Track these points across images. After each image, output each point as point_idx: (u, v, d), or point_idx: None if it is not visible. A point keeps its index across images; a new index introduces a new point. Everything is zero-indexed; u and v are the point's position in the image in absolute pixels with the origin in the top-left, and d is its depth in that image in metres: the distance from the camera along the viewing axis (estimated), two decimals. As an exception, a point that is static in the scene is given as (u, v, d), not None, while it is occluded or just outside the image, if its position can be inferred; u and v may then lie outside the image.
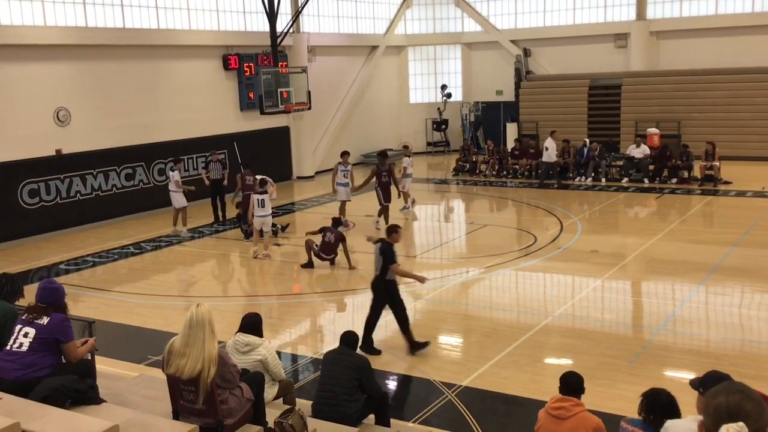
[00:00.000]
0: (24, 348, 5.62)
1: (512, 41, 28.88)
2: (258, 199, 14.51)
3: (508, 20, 29.33)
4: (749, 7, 24.92)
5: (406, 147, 21.10)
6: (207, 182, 18.45)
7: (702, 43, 25.38)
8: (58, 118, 17.77)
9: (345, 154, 17.49)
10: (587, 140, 23.09)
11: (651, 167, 21.61)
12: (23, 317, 5.79)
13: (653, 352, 9.30)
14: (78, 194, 18.20)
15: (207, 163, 19.18)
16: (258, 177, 15.51)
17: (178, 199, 17.01)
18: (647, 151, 21.89)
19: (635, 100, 25.54)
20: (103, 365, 7.15)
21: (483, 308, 11.73)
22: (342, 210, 17.17)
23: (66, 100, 17.88)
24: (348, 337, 6.95)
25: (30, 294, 6.40)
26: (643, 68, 26.34)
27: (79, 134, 18.12)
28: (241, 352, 6.47)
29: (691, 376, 8.18)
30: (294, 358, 9.73)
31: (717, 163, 20.34)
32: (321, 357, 6.82)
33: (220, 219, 18.41)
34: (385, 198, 16.75)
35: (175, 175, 16.99)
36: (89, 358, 6.25)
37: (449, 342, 10.39)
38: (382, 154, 17.63)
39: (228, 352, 6.30)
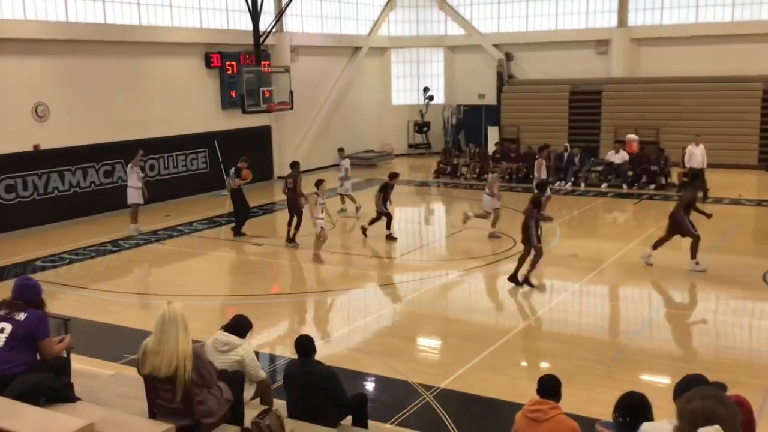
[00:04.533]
0: (0, 343, 5.55)
1: (495, 45, 29.00)
2: (320, 203, 14.10)
3: (491, 24, 29.47)
4: (729, 15, 25.24)
5: (340, 150, 19.79)
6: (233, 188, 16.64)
7: (682, 50, 25.65)
8: (37, 114, 17.58)
9: (320, 182, 14.50)
10: (567, 145, 23.24)
11: (630, 173, 21.80)
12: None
13: (630, 357, 9.38)
14: (56, 190, 18.01)
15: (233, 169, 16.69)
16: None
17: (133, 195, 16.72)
18: (626, 157, 22.09)
19: (615, 106, 25.77)
20: (78, 363, 7.08)
21: (462, 311, 11.76)
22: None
23: (45, 96, 17.70)
24: (304, 345, 6.45)
25: (5, 290, 6.32)
26: (623, 75, 26.57)
27: (58, 130, 17.93)
28: (219, 351, 6.43)
29: (667, 380, 8.32)
30: (272, 358, 9.70)
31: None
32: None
33: (243, 233, 16.52)
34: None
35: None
36: (65, 355, 6.19)
37: (428, 344, 10.41)
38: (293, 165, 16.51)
39: (207, 350, 6.27)
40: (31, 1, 17.36)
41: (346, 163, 18.96)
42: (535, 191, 13.26)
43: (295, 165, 16.28)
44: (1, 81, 16.82)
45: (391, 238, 15.84)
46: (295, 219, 15.52)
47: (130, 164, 16.92)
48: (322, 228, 14.06)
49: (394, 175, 16.39)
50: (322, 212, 14.09)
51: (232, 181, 16.42)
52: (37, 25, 17.42)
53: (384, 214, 15.85)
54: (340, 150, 19.89)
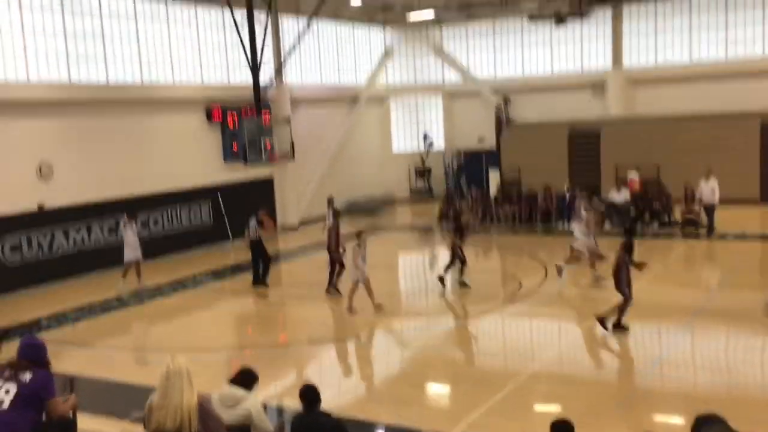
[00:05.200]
0: (5, 405, 5.49)
1: (492, 90, 29.34)
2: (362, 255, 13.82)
3: (488, 70, 29.87)
4: (723, 54, 25.55)
5: (330, 200, 18.43)
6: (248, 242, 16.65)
7: (678, 89, 25.92)
8: (41, 173, 17.73)
9: (360, 234, 14.23)
10: (568, 186, 23.29)
11: (632, 211, 21.78)
12: (4, 374, 5.68)
13: (642, 397, 9.26)
14: (60, 249, 18.06)
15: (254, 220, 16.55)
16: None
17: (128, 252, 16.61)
18: (628, 195, 22.10)
19: (614, 145, 25.86)
20: (85, 422, 7.00)
21: (470, 355, 11.66)
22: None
23: (49, 155, 17.88)
24: (309, 397, 6.37)
25: (11, 351, 6.29)
26: (620, 114, 26.79)
27: (62, 188, 18.06)
28: (226, 406, 6.35)
29: (680, 420, 8.19)
30: (280, 411, 9.59)
31: (697, 207, 20.55)
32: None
33: (265, 283, 16.39)
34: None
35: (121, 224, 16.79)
36: (71, 415, 6.13)
37: (437, 390, 10.30)
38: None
39: (214, 405, 6.19)
40: (34, 63, 17.67)
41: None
42: (625, 237, 12.47)
43: (331, 203, 16.49)
44: (6, 142, 17.01)
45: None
46: (337, 267, 15.28)
47: (122, 224, 16.82)
48: (358, 279, 13.76)
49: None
50: (362, 262, 13.74)
51: (253, 232, 16.22)
52: (41, 87, 17.70)
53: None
54: (330, 200, 18.73)
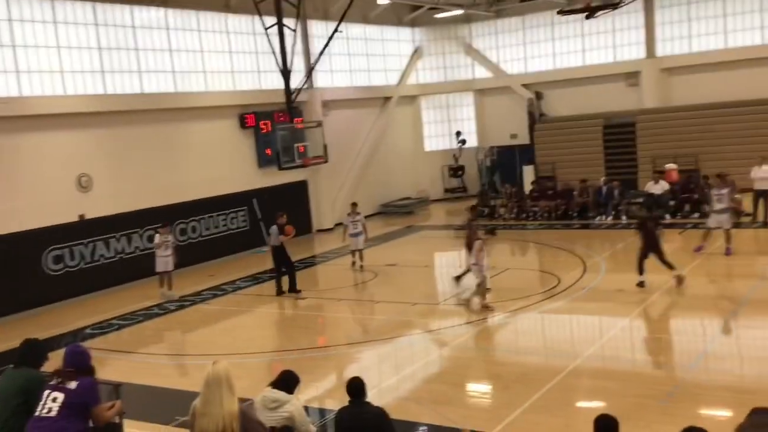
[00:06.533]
0: (53, 413, 5.61)
1: (523, 85, 29.12)
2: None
3: (518, 65, 29.65)
4: (759, 39, 25.02)
5: (354, 204, 18.78)
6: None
7: (713, 77, 25.44)
8: (81, 184, 18.07)
9: (493, 230, 15.26)
10: (605, 179, 23.04)
11: (671, 203, 21.47)
12: (51, 382, 5.80)
13: (687, 391, 9.11)
14: (102, 258, 18.37)
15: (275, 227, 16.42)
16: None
17: (158, 262, 16.70)
18: (666, 186, 21.77)
19: (650, 136, 25.52)
20: (131, 428, 7.12)
21: (510, 353, 11.58)
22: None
23: (88, 166, 18.21)
24: (355, 388, 6.55)
25: (57, 360, 6.42)
26: (656, 105, 26.39)
27: (102, 199, 18.39)
28: (269, 409, 6.42)
29: (727, 413, 8.04)
30: (322, 412, 9.63)
31: (738, 196, 20.14)
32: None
33: (284, 291, 16.24)
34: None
35: (156, 238, 16.80)
36: (117, 421, 6.24)
37: (477, 389, 10.25)
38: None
39: (256, 408, 6.26)
40: (70, 77, 18.01)
41: (346, 220, 18.60)
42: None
43: (472, 208, 15.97)
44: (46, 155, 17.37)
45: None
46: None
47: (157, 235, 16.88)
48: (484, 277, 13.81)
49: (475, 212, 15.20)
50: (485, 260, 13.72)
51: (275, 239, 16.21)
52: (77, 100, 18.03)
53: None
54: (354, 204, 18.85)
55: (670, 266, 13.63)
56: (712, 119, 24.65)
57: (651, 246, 13.85)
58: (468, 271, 14.65)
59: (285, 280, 16.26)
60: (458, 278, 15.18)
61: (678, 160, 23.70)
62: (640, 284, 13.82)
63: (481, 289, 13.76)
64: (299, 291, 16.15)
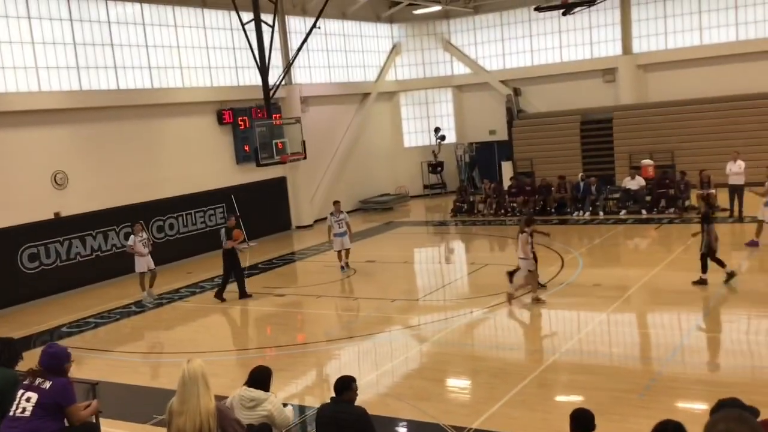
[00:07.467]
0: (27, 413, 5.55)
1: (502, 82, 29.24)
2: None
3: (497, 61, 29.76)
4: (733, 35, 25.31)
5: (336, 203, 18.02)
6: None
7: (689, 73, 25.71)
8: (56, 182, 17.87)
9: (531, 221, 14.08)
10: (582, 175, 23.21)
11: (647, 198, 21.68)
12: (25, 382, 5.74)
13: (663, 384, 9.20)
14: (78, 256, 18.18)
15: (223, 230, 16.09)
16: None
17: (139, 263, 16.23)
18: (642, 182, 21.99)
19: (627, 132, 25.75)
20: (107, 427, 7.06)
21: (489, 348, 11.64)
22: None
23: (63, 163, 18.00)
24: (338, 385, 6.55)
25: (32, 359, 6.35)
26: (632, 101, 26.63)
27: (77, 196, 18.20)
28: (246, 408, 6.39)
29: (703, 406, 8.13)
30: (301, 409, 9.61)
31: (714, 191, 20.39)
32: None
33: (224, 299, 15.71)
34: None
35: (130, 240, 16.26)
36: (93, 420, 6.18)
37: (457, 384, 10.29)
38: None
39: (233, 406, 6.23)
40: (45, 73, 17.78)
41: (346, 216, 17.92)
42: None
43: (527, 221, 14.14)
44: (21, 152, 17.14)
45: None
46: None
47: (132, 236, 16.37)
48: (529, 270, 13.52)
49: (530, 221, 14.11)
50: (531, 250, 13.36)
51: (224, 242, 15.56)
52: (53, 96, 17.81)
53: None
54: (337, 203, 18.12)
55: (721, 264, 13.42)
56: (687, 115, 24.92)
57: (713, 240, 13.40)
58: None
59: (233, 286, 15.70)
60: (511, 274, 14.79)
61: (654, 156, 23.93)
62: (703, 281, 13.35)
63: (530, 282, 13.47)
64: (250, 295, 15.72)
